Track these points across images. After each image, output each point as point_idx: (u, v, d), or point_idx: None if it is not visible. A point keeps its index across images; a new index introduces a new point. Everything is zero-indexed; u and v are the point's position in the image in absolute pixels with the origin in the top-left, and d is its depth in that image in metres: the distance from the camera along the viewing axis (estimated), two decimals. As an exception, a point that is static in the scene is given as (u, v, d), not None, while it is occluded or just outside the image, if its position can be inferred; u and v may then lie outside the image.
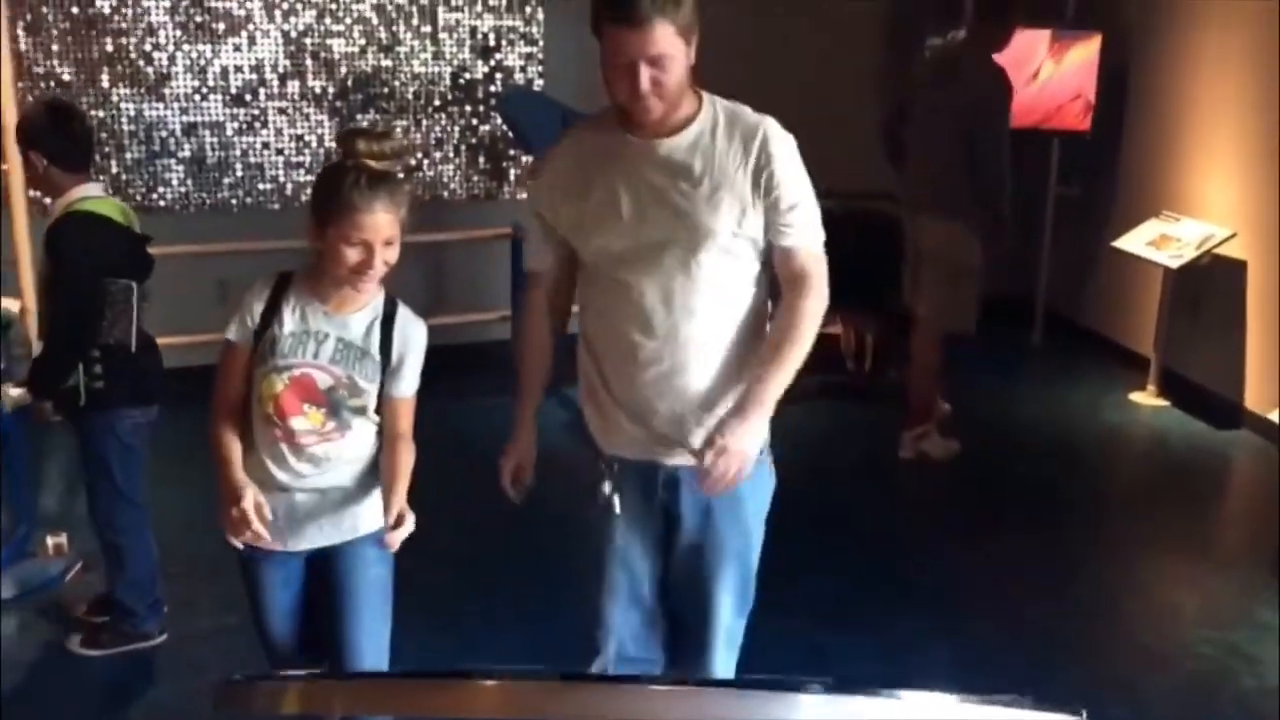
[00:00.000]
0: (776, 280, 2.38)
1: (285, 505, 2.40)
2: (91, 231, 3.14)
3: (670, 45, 2.13)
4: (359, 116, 5.58)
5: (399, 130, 2.11)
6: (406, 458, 2.37)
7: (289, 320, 2.35)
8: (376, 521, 2.42)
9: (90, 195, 3.20)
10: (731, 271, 2.29)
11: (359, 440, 2.41)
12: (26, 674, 3.36)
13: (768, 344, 2.32)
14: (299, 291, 2.37)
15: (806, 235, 2.32)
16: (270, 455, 2.38)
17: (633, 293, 2.28)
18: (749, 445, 2.24)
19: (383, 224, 2.25)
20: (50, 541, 3.87)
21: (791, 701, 1.27)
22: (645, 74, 2.13)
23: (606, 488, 2.39)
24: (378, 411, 2.41)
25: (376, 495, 2.44)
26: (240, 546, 2.36)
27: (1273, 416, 3.59)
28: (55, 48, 5.11)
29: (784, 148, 2.27)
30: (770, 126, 2.28)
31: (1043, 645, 3.58)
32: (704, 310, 2.28)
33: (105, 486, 3.33)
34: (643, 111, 2.19)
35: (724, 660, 2.57)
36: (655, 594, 2.53)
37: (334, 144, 2.36)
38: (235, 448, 2.37)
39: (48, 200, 3.33)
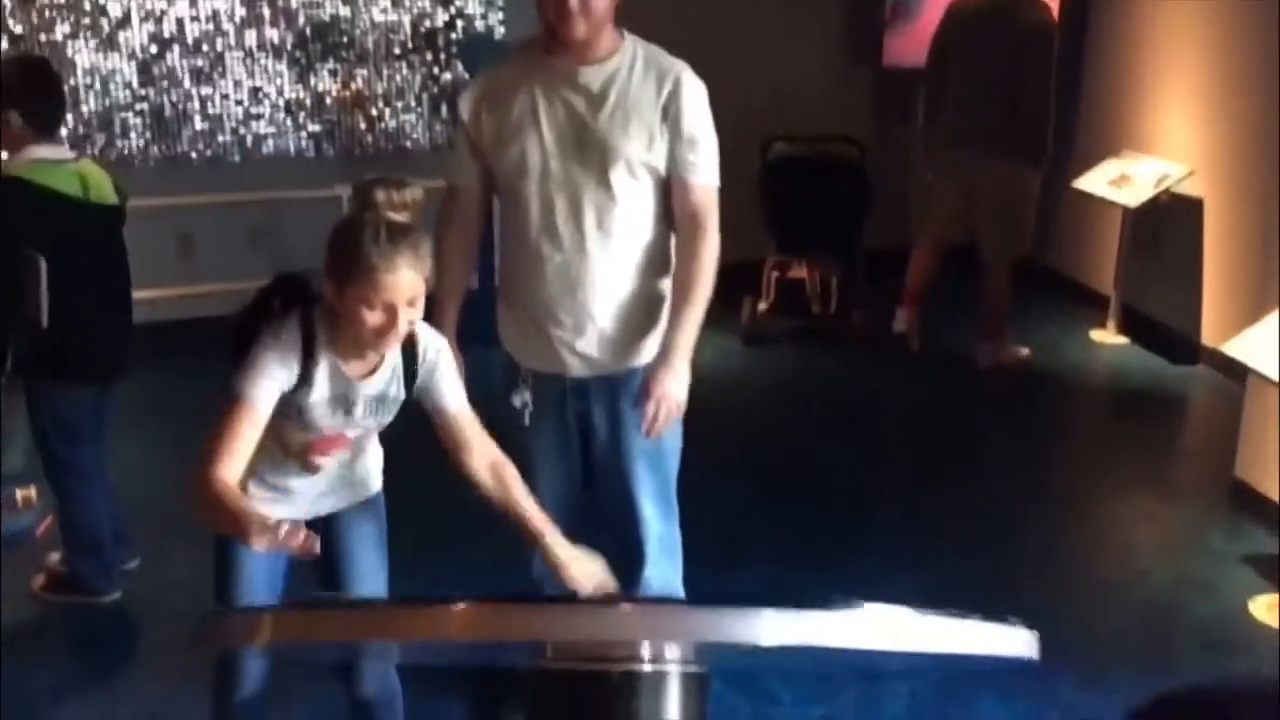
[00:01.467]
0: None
1: (288, 488, 2.34)
2: (12, 199, 3.05)
3: None
4: (318, 66, 5.53)
5: (413, 181, 2.01)
6: (513, 471, 2.28)
7: (319, 385, 2.16)
8: (374, 488, 2.44)
9: (42, 158, 3.09)
10: (637, 195, 2.46)
11: (374, 443, 2.42)
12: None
13: (676, 292, 2.52)
14: (326, 349, 2.16)
15: (705, 173, 2.50)
16: (281, 470, 2.30)
17: (544, 206, 2.45)
18: (680, 390, 2.49)
19: (406, 283, 2.03)
20: (19, 494, 3.87)
21: (751, 618, 1.31)
22: None
23: (518, 399, 2.58)
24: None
25: (375, 466, 2.44)
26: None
27: (1226, 349, 3.66)
28: (6, 1, 5.03)
29: (694, 90, 2.47)
30: (684, 70, 2.48)
31: (1004, 577, 3.65)
32: (610, 227, 2.45)
33: (46, 451, 3.34)
34: (568, 30, 2.34)
35: (663, 569, 2.71)
36: (576, 505, 2.69)
37: (349, 195, 2.13)
38: (240, 497, 2.06)
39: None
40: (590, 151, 2.41)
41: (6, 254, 3.05)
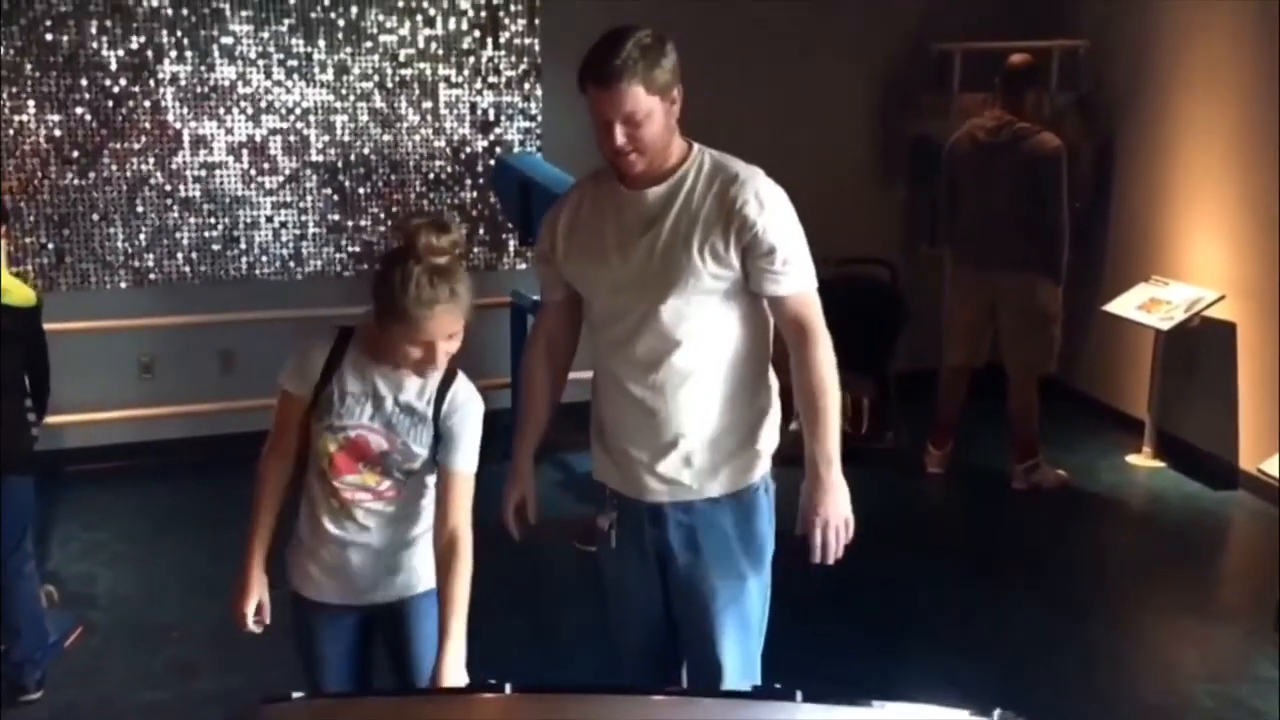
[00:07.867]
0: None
1: (340, 560, 2.39)
2: None
3: (642, 104, 2.23)
4: (359, 190, 5.69)
5: (454, 224, 2.37)
6: (463, 570, 2.27)
7: (349, 378, 2.32)
8: (425, 582, 2.42)
9: None
10: (718, 314, 2.36)
11: (414, 497, 2.39)
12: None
13: (803, 406, 2.40)
14: (358, 350, 2.34)
15: (794, 280, 2.36)
16: (326, 510, 2.38)
17: (620, 332, 2.39)
18: (843, 505, 2.41)
19: (446, 323, 2.22)
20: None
21: (788, 710, 1.30)
22: (620, 131, 2.26)
23: (604, 520, 2.51)
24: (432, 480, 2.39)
25: (423, 555, 2.40)
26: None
27: (1266, 467, 3.62)
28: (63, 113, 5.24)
29: (767, 196, 2.32)
30: (753, 177, 2.35)
31: (1047, 701, 3.56)
32: (689, 346, 2.35)
33: None
34: (623, 166, 2.32)
35: None
36: (660, 636, 2.59)
37: (394, 234, 2.31)
38: (270, 508, 2.41)
39: None
40: (661, 272, 2.32)
41: None
